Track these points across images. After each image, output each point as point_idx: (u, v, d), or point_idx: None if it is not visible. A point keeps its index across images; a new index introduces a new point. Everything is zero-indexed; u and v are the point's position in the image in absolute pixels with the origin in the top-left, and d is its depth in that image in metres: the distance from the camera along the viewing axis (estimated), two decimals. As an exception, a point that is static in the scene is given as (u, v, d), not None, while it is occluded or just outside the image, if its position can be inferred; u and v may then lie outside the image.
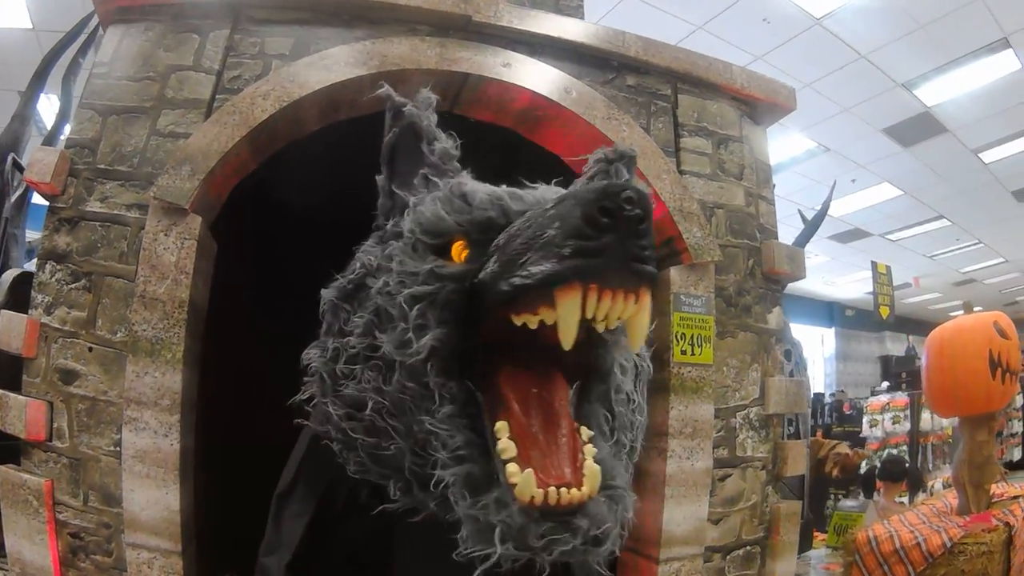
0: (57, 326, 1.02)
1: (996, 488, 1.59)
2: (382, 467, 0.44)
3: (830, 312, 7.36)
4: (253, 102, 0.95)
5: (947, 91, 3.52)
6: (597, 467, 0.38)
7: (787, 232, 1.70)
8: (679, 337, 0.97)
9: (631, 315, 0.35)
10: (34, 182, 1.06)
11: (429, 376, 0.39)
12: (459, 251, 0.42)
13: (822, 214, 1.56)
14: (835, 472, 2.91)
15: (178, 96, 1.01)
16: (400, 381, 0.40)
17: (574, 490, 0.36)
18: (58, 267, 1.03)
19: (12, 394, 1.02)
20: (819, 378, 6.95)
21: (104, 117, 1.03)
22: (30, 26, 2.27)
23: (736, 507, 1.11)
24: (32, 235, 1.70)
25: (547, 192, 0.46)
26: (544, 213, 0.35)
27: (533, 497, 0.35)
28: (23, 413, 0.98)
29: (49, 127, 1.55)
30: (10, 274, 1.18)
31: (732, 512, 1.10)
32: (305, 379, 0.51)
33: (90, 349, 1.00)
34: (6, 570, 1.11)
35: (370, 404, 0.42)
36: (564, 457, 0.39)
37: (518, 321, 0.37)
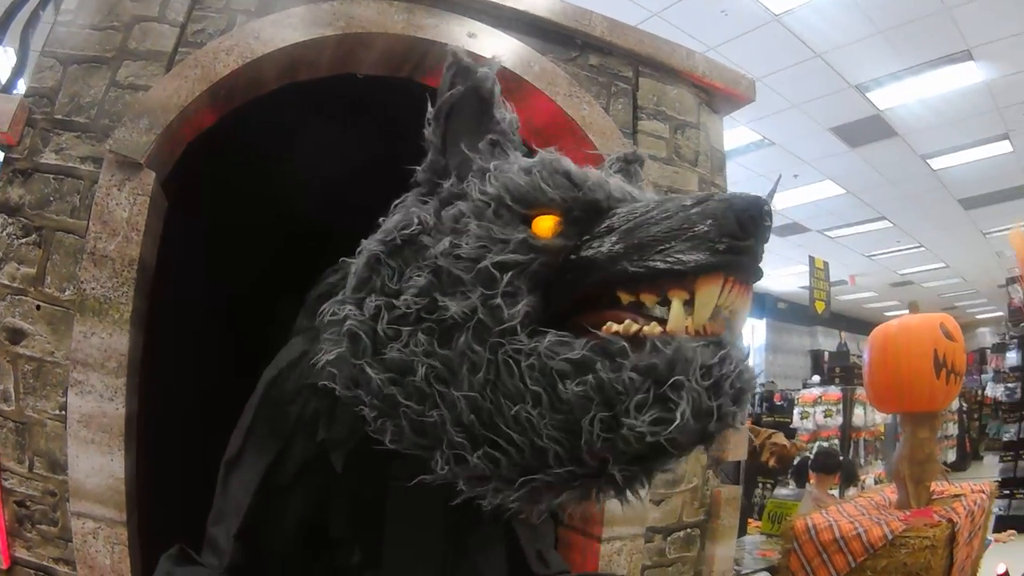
0: (6, 282, 0.97)
1: (936, 486, 1.61)
2: (422, 437, 0.41)
3: (762, 303, 7.44)
4: (216, 57, 0.92)
5: (901, 96, 3.51)
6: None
7: None
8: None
9: (742, 305, 0.39)
10: (-7, 131, 1.03)
11: (513, 339, 0.39)
12: (551, 225, 0.42)
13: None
14: (772, 462, 2.93)
15: (140, 47, 0.97)
16: (468, 345, 0.39)
17: (714, 322, 0.38)
18: (9, 220, 0.98)
19: None
20: None
21: (65, 66, 0.99)
22: None
23: (677, 489, 1.11)
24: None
25: (627, 183, 0.47)
26: (686, 209, 0.38)
27: (686, 326, 0.37)
28: None
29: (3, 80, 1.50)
30: None
31: (673, 494, 1.10)
32: (326, 336, 0.46)
33: (38, 307, 0.95)
34: None
35: (421, 369, 0.40)
36: None
37: (626, 299, 0.39)
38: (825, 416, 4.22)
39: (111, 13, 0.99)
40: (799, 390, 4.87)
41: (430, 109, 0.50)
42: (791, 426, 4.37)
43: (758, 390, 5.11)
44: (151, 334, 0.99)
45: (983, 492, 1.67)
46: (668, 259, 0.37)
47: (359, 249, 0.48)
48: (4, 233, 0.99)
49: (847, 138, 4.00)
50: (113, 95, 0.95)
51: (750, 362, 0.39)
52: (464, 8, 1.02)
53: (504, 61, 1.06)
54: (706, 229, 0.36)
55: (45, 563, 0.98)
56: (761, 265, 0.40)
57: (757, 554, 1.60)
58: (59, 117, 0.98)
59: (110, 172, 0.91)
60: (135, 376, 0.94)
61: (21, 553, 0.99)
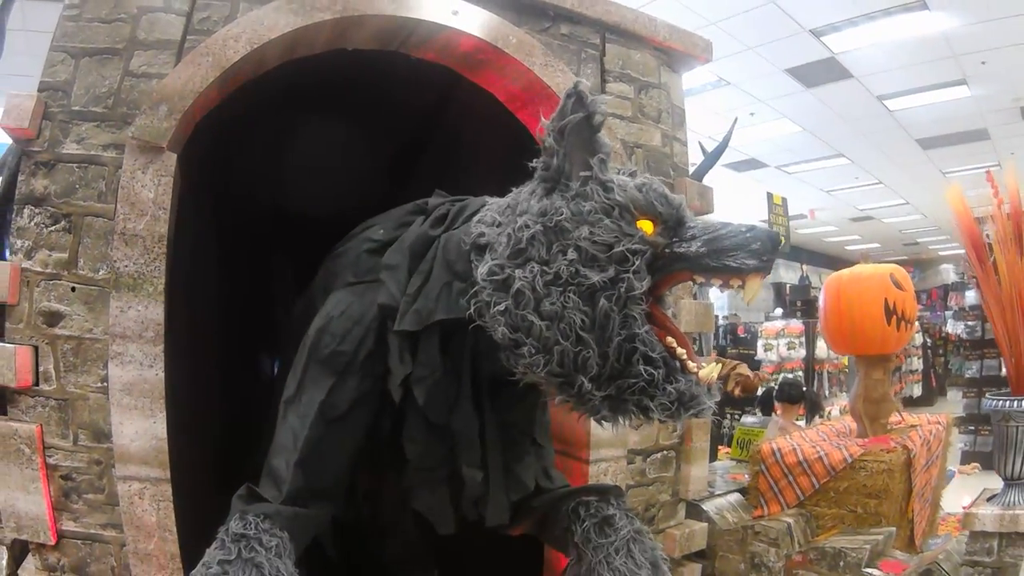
0: (39, 269, 1.04)
1: (893, 417, 1.75)
2: (562, 367, 0.60)
3: None
4: (225, 44, 0.98)
5: (856, 41, 3.60)
6: (715, 366, 0.66)
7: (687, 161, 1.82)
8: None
9: (760, 288, 0.65)
10: (11, 127, 1.07)
11: (635, 305, 0.60)
12: (650, 227, 0.64)
13: (722, 147, 1.63)
14: (736, 392, 3.10)
15: (149, 37, 1.02)
16: (609, 306, 0.59)
17: (712, 376, 0.64)
18: (36, 211, 1.05)
19: None
20: (714, 302, 7.61)
21: (77, 59, 1.04)
22: None
23: None
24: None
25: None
26: (744, 232, 0.62)
27: (707, 379, 0.63)
28: (12, 361, 1.00)
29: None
30: None
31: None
32: (487, 292, 0.63)
33: (73, 289, 1.02)
34: None
35: (577, 320, 0.59)
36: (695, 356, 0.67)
37: (699, 280, 0.65)
38: (788, 348, 4.42)
39: (117, 6, 1.04)
40: (762, 322, 5.05)
41: (543, 120, 0.68)
42: (755, 358, 4.57)
43: (721, 323, 5.43)
44: (172, 302, 1.05)
45: (939, 423, 1.81)
46: (736, 262, 0.61)
47: (493, 226, 0.68)
48: (32, 223, 1.05)
49: (802, 79, 4.12)
50: (128, 84, 1.01)
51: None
52: (447, -13, 1.09)
53: (483, 35, 1.17)
54: (757, 247, 0.61)
55: (92, 531, 1.06)
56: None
57: (728, 477, 1.73)
58: (77, 108, 1.03)
59: (133, 157, 0.97)
60: (169, 341, 1.02)
61: (68, 526, 1.06)
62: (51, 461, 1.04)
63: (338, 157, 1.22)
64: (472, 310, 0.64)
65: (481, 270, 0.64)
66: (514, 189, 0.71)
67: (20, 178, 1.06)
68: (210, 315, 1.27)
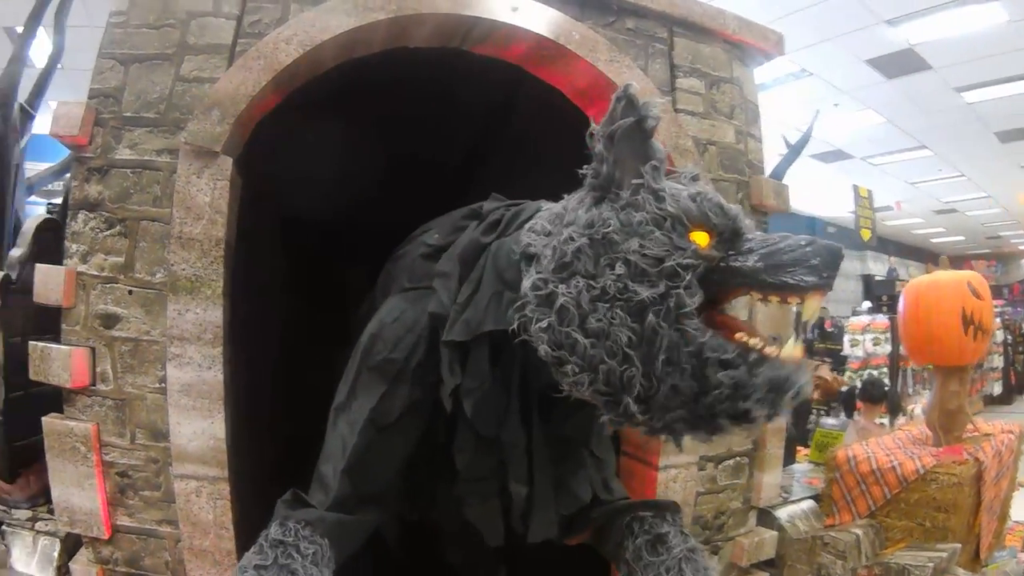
0: (95, 273, 1.06)
1: (967, 425, 1.70)
2: (608, 386, 0.58)
3: (812, 228, 7.45)
4: (277, 47, 0.98)
5: (931, 32, 3.53)
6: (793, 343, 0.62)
7: (772, 154, 1.75)
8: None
9: (819, 306, 0.61)
10: (61, 135, 1.09)
11: (687, 321, 0.57)
12: (703, 239, 0.60)
13: (804, 140, 1.62)
14: (815, 395, 3.06)
15: (200, 42, 1.03)
16: (657, 322, 0.56)
17: (796, 352, 0.60)
18: (91, 216, 1.06)
19: (54, 345, 1.06)
20: None
21: (126, 66, 1.05)
22: None
23: None
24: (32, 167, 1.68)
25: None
26: (803, 246, 0.57)
27: (791, 356, 0.58)
28: (68, 362, 1.03)
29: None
30: (32, 222, 1.21)
31: None
32: (530, 307, 0.61)
33: (130, 292, 1.04)
34: (48, 520, 1.16)
35: (623, 337, 0.56)
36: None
37: (756, 297, 0.60)
38: (874, 344, 4.22)
39: (165, 11, 1.05)
40: (848, 317, 4.84)
41: (593, 125, 0.64)
42: (842, 353, 4.39)
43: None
44: (233, 306, 1.07)
45: (1011, 433, 1.72)
46: (795, 278, 0.57)
47: (542, 234, 0.64)
48: (87, 228, 1.06)
49: (882, 69, 3.98)
50: (180, 89, 1.02)
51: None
52: (506, -17, 1.06)
53: (545, 31, 1.14)
54: (817, 263, 0.56)
55: (147, 526, 1.09)
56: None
57: (804, 482, 1.68)
58: (128, 115, 1.04)
59: (187, 161, 0.98)
60: (229, 342, 1.04)
61: (123, 520, 1.10)
62: (107, 458, 1.07)
63: (403, 158, 1.21)
64: (516, 324, 0.61)
65: (525, 284, 0.61)
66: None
67: (73, 184, 1.07)
68: (276, 317, 1.28)
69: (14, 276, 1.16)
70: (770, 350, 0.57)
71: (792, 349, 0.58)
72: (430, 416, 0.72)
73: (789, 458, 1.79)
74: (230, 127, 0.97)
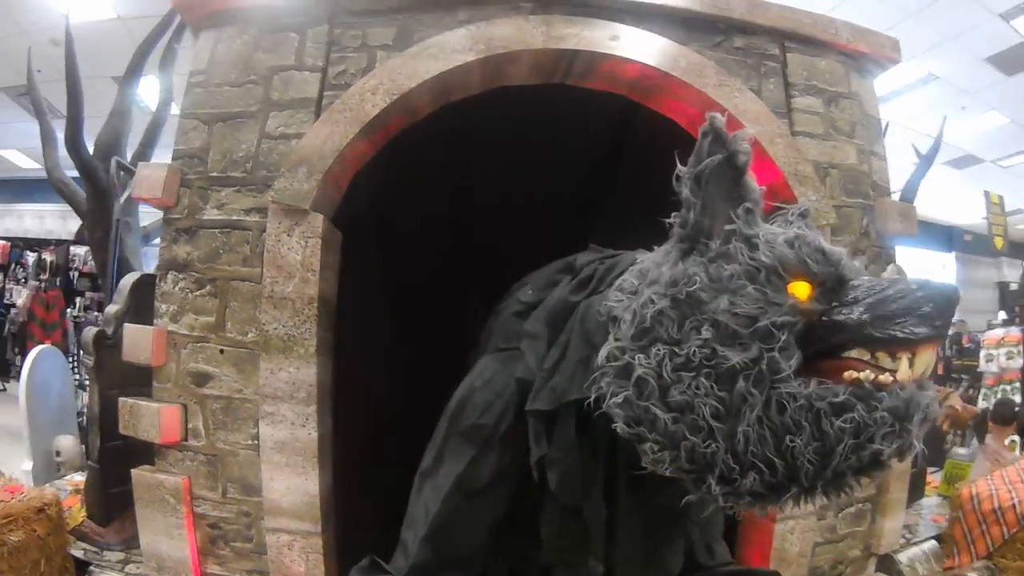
0: (185, 332, 1.06)
1: None
2: (693, 464, 0.52)
3: (949, 237, 7.07)
4: (363, 98, 0.96)
5: None
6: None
7: (904, 162, 1.70)
8: (800, 300, 0.98)
9: (932, 359, 0.52)
10: (144, 198, 1.10)
11: (782, 385, 0.49)
12: (805, 291, 0.52)
13: (935, 148, 1.51)
14: (945, 426, 2.83)
15: (284, 97, 1.02)
16: (748, 389, 0.50)
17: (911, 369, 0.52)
18: (180, 276, 1.07)
19: (143, 401, 1.08)
20: None
21: (209, 125, 1.05)
22: (115, 16, 2.35)
23: None
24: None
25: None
26: (914, 292, 0.50)
27: (907, 375, 0.50)
28: (156, 419, 1.04)
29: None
30: (129, 279, 1.23)
31: None
32: (606, 379, 0.55)
33: (221, 351, 1.04)
34: (137, 562, 1.19)
35: (705, 409, 0.50)
36: None
37: (862, 355, 0.51)
38: (1007, 358, 3.89)
39: (245, 68, 1.04)
40: (984, 331, 4.56)
41: (680, 167, 0.57)
42: (978, 369, 4.11)
43: (949, 332, 5.00)
44: (341, 360, 1.05)
45: None
46: (904, 330, 0.50)
47: (628, 295, 0.58)
48: (177, 288, 1.07)
49: (1001, 66, 3.76)
50: (266, 146, 1.01)
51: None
52: (602, 11, 1.00)
53: (648, 59, 1.05)
54: (928, 310, 0.49)
55: (237, 575, 1.09)
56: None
57: (930, 519, 1.57)
58: (214, 174, 1.04)
59: (277, 220, 0.97)
60: (327, 400, 1.02)
61: (213, 569, 1.11)
62: (199, 510, 1.08)
63: (520, 195, 1.14)
64: (593, 397, 0.55)
65: (602, 352, 0.56)
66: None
67: (162, 245, 1.08)
68: (386, 373, 1.23)
69: (110, 331, 1.19)
70: (884, 377, 0.49)
71: (904, 368, 0.50)
72: (520, 482, 0.68)
73: (917, 492, 1.64)
74: (318, 183, 0.95)
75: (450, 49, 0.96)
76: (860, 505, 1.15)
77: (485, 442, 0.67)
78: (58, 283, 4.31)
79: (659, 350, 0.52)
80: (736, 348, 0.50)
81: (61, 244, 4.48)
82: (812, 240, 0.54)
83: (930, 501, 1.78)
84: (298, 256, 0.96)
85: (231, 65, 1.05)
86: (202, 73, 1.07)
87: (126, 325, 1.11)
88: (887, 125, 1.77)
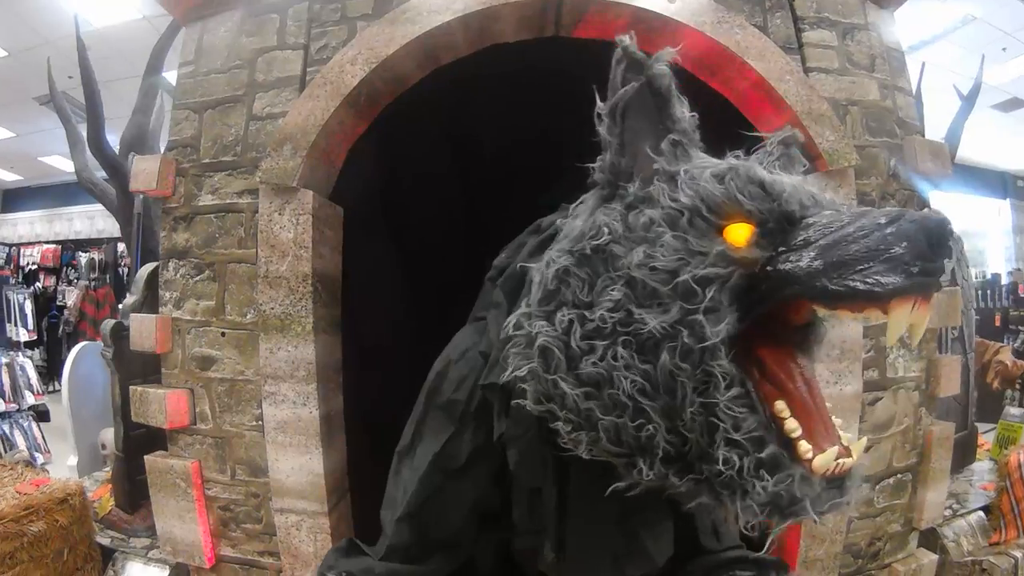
0: (188, 318, 1.08)
1: None
2: (619, 446, 0.43)
3: (1003, 182, 6.57)
4: (342, 69, 0.95)
5: None
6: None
7: (949, 109, 1.55)
8: (821, 251, 0.91)
9: (923, 319, 0.39)
10: (142, 190, 1.13)
11: (713, 360, 0.40)
12: (747, 235, 0.42)
13: (976, 88, 1.41)
14: (995, 383, 2.60)
15: (269, 78, 1.02)
16: (673, 362, 0.41)
17: (848, 460, 0.40)
18: (180, 263, 1.09)
19: (151, 388, 1.10)
20: (998, 253, 6.29)
21: (200, 113, 1.07)
22: (141, 16, 2.45)
23: (887, 433, 1.02)
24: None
25: (810, 187, 0.46)
26: (881, 228, 0.38)
27: (827, 470, 0.40)
28: (163, 404, 1.06)
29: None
30: (145, 270, 1.27)
31: (883, 438, 1.02)
32: (513, 351, 0.48)
33: (223, 334, 1.06)
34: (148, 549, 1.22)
35: (625, 383, 0.42)
36: (832, 429, 0.42)
37: (824, 313, 0.41)
38: None
39: (230, 54, 1.05)
40: None
41: (599, 104, 0.48)
42: None
43: (1005, 281, 4.45)
44: (354, 335, 1.03)
45: None
46: (867, 280, 0.37)
47: (542, 258, 0.48)
48: (178, 275, 1.09)
49: None
50: (254, 128, 1.02)
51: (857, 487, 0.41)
52: (585, -49, 0.96)
53: (641, 3, 0.99)
54: (901, 252, 0.37)
55: (250, 557, 1.10)
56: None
57: (980, 487, 1.43)
58: (207, 161, 1.06)
59: (268, 200, 0.98)
60: (335, 376, 1.00)
61: (226, 551, 1.12)
62: (210, 493, 1.10)
63: (525, 156, 1.09)
64: (506, 375, 0.48)
65: (509, 321, 0.48)
66: None
67: (162, 234, 1.11)
68: (399, 342, 1.19)
69: (127, 323, 1.23)
70: (804, 447, 0.39)
71: (828, 458, 0.39)
72: (501, 461, 0.61)
73: (968, 456, 1.50)
74: (304, 159, 0.95)
75: (427, 11, 0.93)
76: (900, 476, 1.05)
77: (461, 419, 0.61)
78: (108, 280, 4.42)
79: (565, 315, 0.44)
80: (656, 310, 0.41)
81: (110, 242, 4.61)
82: (748, 170, 0.43)
83: (982, 466, 1.59)
84: (290, 234, 0.96)
85: (217, 53, 1.06)
86: (190, 64, 1.09)
87: (132, 315, 1.14)
88: (923, 66, 1.63)
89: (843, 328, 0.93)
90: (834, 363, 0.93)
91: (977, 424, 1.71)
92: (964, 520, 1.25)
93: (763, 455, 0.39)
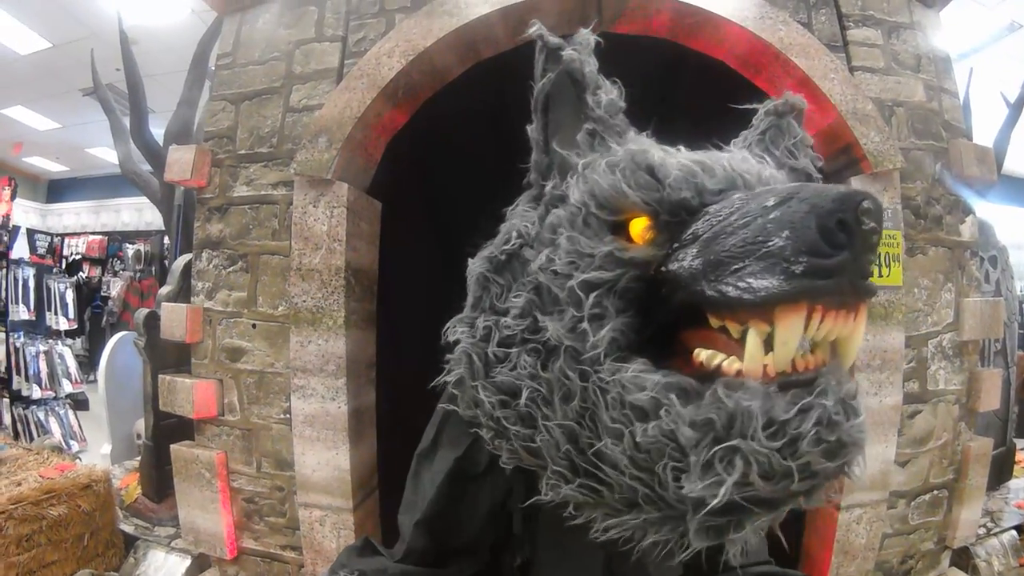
0: (220, 309, 1.09)
1: None
2: (535, 457, 0.41)
3: None
4: (379, 61, 0.94)
5: None
6: (861, 337, 0.32)
7: (995, 119, 1.50)
8: (864, 257, 0.87)
9: (849, 333, 0.31)
10: (176, 180, 1.14)
11: (598, 372, 0.35)
12: (641, 231, 0.37)
13: (1022, 96, 1.36)
14: None
15: (306, 70, 1.02)
16: (562, 371, 0.37)
17: (809, 355, 0.31)
18: (214, 254, 1.10)
19: (179, 378, 1.11)
20: None
21: (236, 105, 1.08)
22: (190, 11, 2.50)
23: (925, 447, 0.99)
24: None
25: (741, 164, 0.39)
26: (765, 212, 0.30)
27: (766, 365, 0.30)
28: (191, 394, 1.07)
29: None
30: (181, 260, 1.28)
31: (920, 453, 0.98)
32: (449, 357, 0.46)
33: (254, 326, 1.06)
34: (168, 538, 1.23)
35: (525, 392, 0.39)
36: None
37: (715, 324, 0.33)
38: None
39: (268, 46, 1.06)
40: None
41: (533, 100, 0.44)
42: None
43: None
44: (392, 330, 1.03)
45: None
46: (739, 284, 0.30)
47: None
48: (211, 266, 1.10)
49: None
50: (290, 119, 1.02)
51: (855, 402, 0.30)
52: (627, -53, 0.94)
53: None
54: (780, 244, 0.29)
55: (272, 550, 1.10)
56: (869, 279, 0.30)
57: (1015, 505, 1.39)
58: (242, 152, 1.06)
59: (302, 192, 0.97)
60: (362, 373, 1.00)
61: (248, 543, 1.12)
62: (235, 485, 1.10)
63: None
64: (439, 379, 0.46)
65: (444, 329, 0.47)
66: None
67: (196, 224, 1.12)
68: (435, 340, 1.23)
69: (160, 312, 1.24)
70: (726, 364, 0.31)
71: (755, 355, 0.30)
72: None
73: (1005, 473, 1.45)
74: (339, 151, 0.94)
75: (465, 3, 0.92)
76: (935, 492, 1.01)
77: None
78: (153, 272, 4.40)
79: (483, 322, 0.42)
80: (556, 317, 0.38)
81: (157, 234, 4.55)
82: (639, 155, 0.38)
83: (1019, 483, 1.53)
84: (324, 226, 0.96)
85: (255, 44, 1.06)
86: (228, 55, 1.09)
87: (163, 304, 1.15)
88: (971, 72, 1.59)
89: (885, 336, 0.90)
90: (874, 373, 0.90)
91: (1016, 440, 1.65)
92: (997, 539, 1.22)
93: (685, 385, 0.31)
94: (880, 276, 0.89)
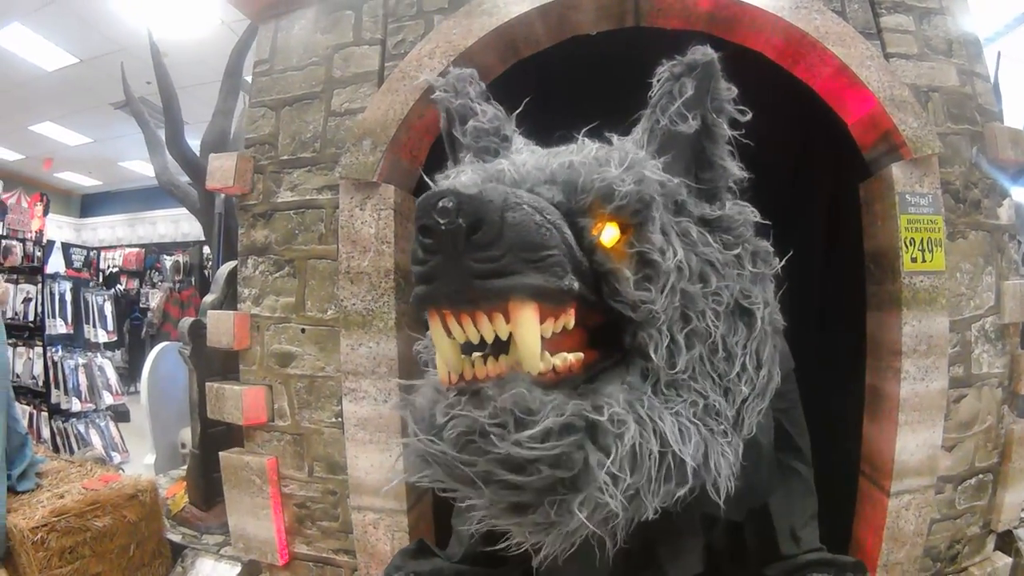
0: (267, 315, 1.09)
1: None
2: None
3: None
4: (420, 63, 0.94)
5: None
6: (533, 340, 0.30)
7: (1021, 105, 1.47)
8: (908, 243, 0.87)
9: (516, 335, 0.31)
10: (218, 188, 1.14)
11: None
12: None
13: None
14: None
15: (346, 74, 1.02)
16: None
17: (493, 362, 0.32)
18: (260, 260, 1.10)
19: (228, 385, 1.12)
20: None
21: (276, 111, 1.08)
22: (220, 22, 2.49)
23: (971, 431, 1.00)
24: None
25: (539, 161, 0.39)
26: (417, 219, 0.32)
27: (455, 378, 0.32)
28: (240, 401, 1.07)
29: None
30: (225, 268, 1.29)
31: (966, 437, 0.99)
32: None
33: (303, 331, 1.06)
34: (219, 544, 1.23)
35: None
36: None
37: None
38: None
39: (307, 50, 1.06)
40: None
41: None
42: None
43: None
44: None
45: None
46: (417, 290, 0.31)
47: None
48: (257, 272, 1.11)
49: None
50: (333, 123, 1.02)
51: (523, 414, 0.30)
52: (662, -60, 0.94)
53: None
54: (415, 249, 0.30)
55: (324, 555, 1.11)
56: (496, 279, 0.29)
57: None
58: (285, 157, 1.06)
59: (348, 195, 0.98)
60: (415, 374, 1.00)
61: (300, 548, 1.13)
62: (286, 490, 1.11)
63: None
64: None
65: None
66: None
67: (240, 231, 1.12)
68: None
69: (205, 321, 1.24)
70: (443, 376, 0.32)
71: (449, 351, 0.31)
72: None
73: None
74: (384, 154, 0.95)
75: (503, 2, 0.93)
76: (981, 476, 1.03)
77: None
78: (192, 282, 4.40)
79: None
80: None
81: (195, 245, 4.55)
82: (445, 184, 0.37)
83: None
84: (372, 229, 0.96)
85: (292, 50, 1.06)
86: (265, 62, 1.09)
87: (209, 312, 1.16)
88: (999, 56, 1.56)
89: (930, 322, 0.91)
90: (921, 359, 0.91)
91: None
92: (1040, 524, 1.22)
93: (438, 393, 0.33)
94: (924, 261, 0.90)
